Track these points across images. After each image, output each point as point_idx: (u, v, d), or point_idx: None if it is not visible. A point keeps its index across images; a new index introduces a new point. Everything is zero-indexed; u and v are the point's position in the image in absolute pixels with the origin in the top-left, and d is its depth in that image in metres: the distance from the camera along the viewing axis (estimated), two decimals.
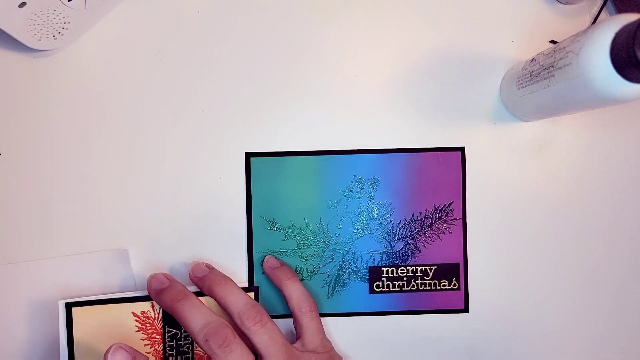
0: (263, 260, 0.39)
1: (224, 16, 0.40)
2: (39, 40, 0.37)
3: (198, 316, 0.31)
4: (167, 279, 0.35)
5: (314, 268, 0.39)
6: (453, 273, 0.40)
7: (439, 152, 0.40)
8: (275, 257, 0.39)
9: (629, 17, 0.26)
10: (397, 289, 0.40)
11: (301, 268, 0.39)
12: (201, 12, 0.40)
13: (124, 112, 0.39)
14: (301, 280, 0.39)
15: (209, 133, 0.40)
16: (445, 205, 0.40)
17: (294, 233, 0.39)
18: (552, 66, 0.31)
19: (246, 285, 0.39)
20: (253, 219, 0.39)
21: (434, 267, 0.40)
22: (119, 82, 0.39)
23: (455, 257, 0.40)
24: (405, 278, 0.39)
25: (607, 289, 0.40)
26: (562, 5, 0.41)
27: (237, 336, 0.31)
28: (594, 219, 0.40)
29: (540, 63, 0.33)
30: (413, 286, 0.40)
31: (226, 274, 0.36)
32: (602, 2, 0.40)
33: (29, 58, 0.39)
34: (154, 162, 0.39)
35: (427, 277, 0.40)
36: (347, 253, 0.39)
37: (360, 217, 0.40)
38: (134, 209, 0.39)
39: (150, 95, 0.40)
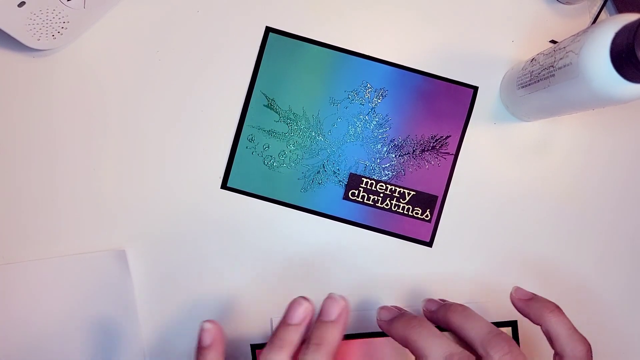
0: (511, 294, 0.32)
1: (224, 16, 0.40)
2: (38, 39, 0.37)
3: (437, 344, 0.26)
4: (398, 309, 0.32)
5: (298, 157, 0.39)
6: (429, 204, 0.39)
7: (452, 85, 0.40)
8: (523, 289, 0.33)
9: (629, 17, 0.26)
10: (370, 202, 0.39)
11: (285, 154, 0.39)
12: (200, 11, 0.40)
13: (123, 112, 0.39)
14: (282, 166, 0.39)
15: (207, 133, 0.40)
16: (442, 137, 0.40)
17: (288, 117, 0.39)
18: (552, 66, 0.31)
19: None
20: (254, 91, 0.39)
21: (412, 193, 0.39)
22: (118, 81, 0.39)
23: (436, 190, 0.40)
24: (381, 194, 0.39)
25: (608, 289, 0.40)
26: (562, 5, 0.41)
27: None
28: (595, 219, 0.40)
29: (541, 63, 0.33)
30: (387, 205, 0.39)
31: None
32: (602, 2, 0.40)
33: (28, 58, 0.39)
34: (153, 163, 0.39)
35: (404, 200, 0.39)
36: (334, 154, 0.39)
37: (357, 122, 0.39)
38: (132, 210, 0.39)
39: (150, 95, 0.39)
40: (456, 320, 0.29)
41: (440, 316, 0.30)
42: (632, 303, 0.40)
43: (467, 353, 0.26)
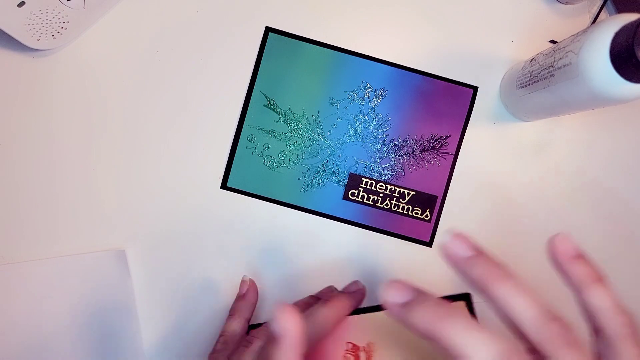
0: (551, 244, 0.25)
1: (224, 16, 0.40)
2: (38, 39, 0.37)
3: (479, 341, 0.19)
4: (413, 288, 0.23)
5: (297, 157, 0.39)
6: (429, 204, 0.40)
7: (451, 85, 0.40)
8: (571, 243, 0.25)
9: (629, 17, 0.26)
10: (370, 202, 0.39)
11: (285, 154, 0.39)
12: (200, 11, 0.40)
13: (123, 112, 0.39)
14: (281, 166, 0.39)
15: (207, 133, 0.40)
16: (442, 137, 0.40)
17: (288, 117, 0.39)
18: (552, 66, 0.31)
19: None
20: (254, 91, 0.39)
21: (412, 193, 0.40)
22: (118, 81, 0.39)
23: (436, 190, 0.40)
24: (381, 194, 0.39)
25: None
26: (561, 5, 0.41)
27: None
28: (594, 219, 0.40)
29: (540, 63, 0.33)
30: (387, 205, 0.40)
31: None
32: (602, 2, 0.40)
33: (28, 58, 0.39)
34: (152, 163, 0.39)
35: (403, 200, 0.40)
36: (334, 154, 0.40)
37: (357, 122, 0.40)
38: (132, 210, 0.39)
39: (150, 95, 0.39)
40: (497, 290, 0.23)
41: (474, 275, 0.23)
42: (632, 303, 0.40)
43: (517, 347, 0.20)
